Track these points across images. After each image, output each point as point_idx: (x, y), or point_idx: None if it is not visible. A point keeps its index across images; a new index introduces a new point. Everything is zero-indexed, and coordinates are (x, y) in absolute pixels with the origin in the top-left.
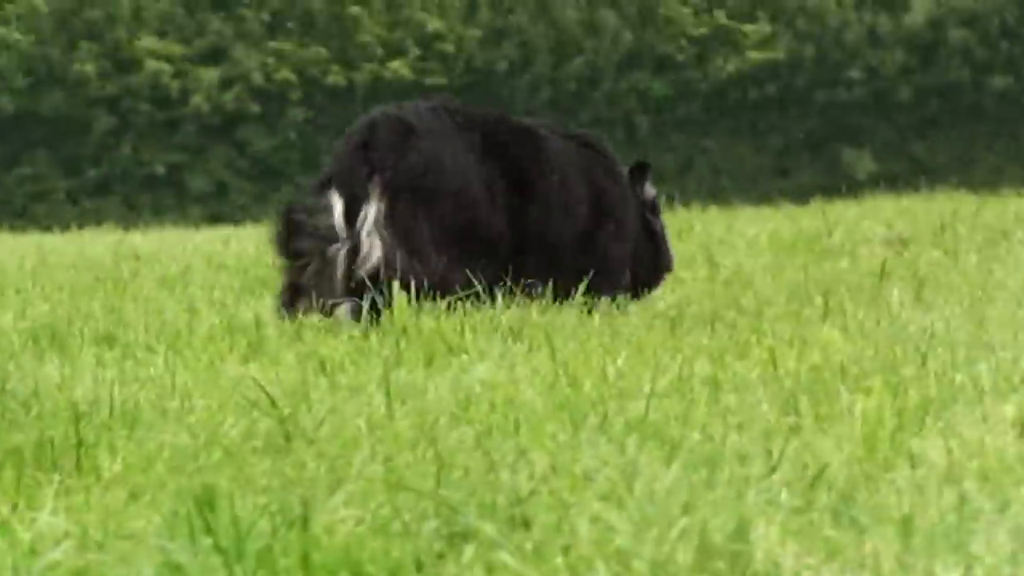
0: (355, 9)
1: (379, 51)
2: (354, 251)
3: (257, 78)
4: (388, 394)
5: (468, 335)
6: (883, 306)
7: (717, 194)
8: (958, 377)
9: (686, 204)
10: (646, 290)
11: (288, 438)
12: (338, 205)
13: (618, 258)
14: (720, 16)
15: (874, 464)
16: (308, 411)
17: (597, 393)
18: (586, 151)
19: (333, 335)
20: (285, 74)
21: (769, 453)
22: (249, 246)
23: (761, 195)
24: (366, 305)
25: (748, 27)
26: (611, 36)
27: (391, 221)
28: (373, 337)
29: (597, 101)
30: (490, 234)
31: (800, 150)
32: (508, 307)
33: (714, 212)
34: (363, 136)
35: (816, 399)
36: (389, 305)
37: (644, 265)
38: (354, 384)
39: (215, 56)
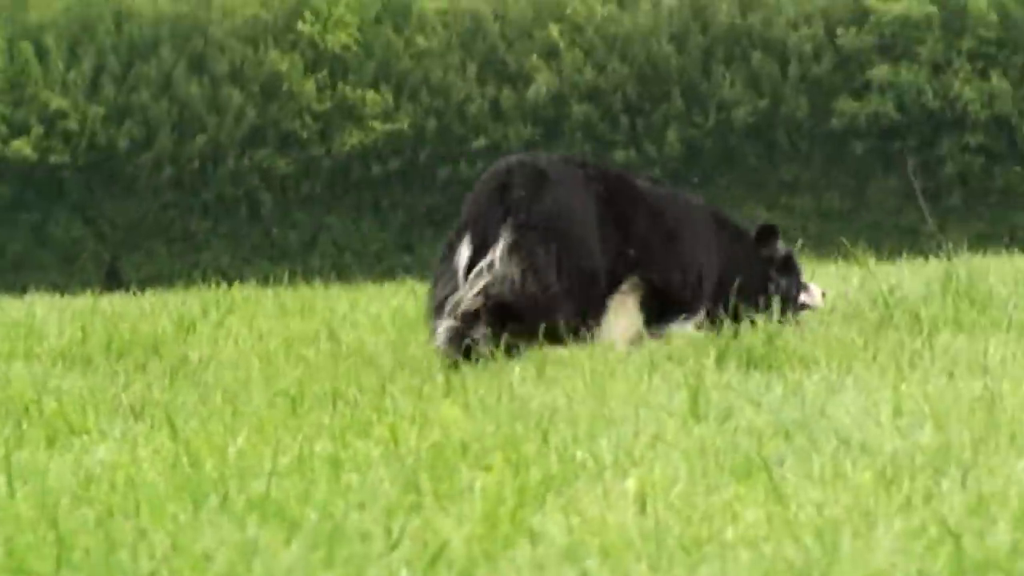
0: None
1: (2, 130)
2: (477, 286)
3: None
4: (9, 475)
5: (91, 415)
6: (505, 382)
7: (341, 271)
8: (579, 453)
9: (309, 281)
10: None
11: None
12: (466, 251)
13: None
14: (344, 89)
15: (494, 542)
16: None
17: (218, 472)
18: (699, 208)
19: None
20: None
21: (389, 531)
22: None
23: (385, 271)
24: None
25: (371, 97)
26: (234, 113)
27: (517, 250)
28: None
29: (221, 178)
30: (602, 286)
31: (424, 225)
32: (128, 385)
33: (337, 289)
34: (499, 180)
35: (437, 476)
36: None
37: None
38: None
39: None
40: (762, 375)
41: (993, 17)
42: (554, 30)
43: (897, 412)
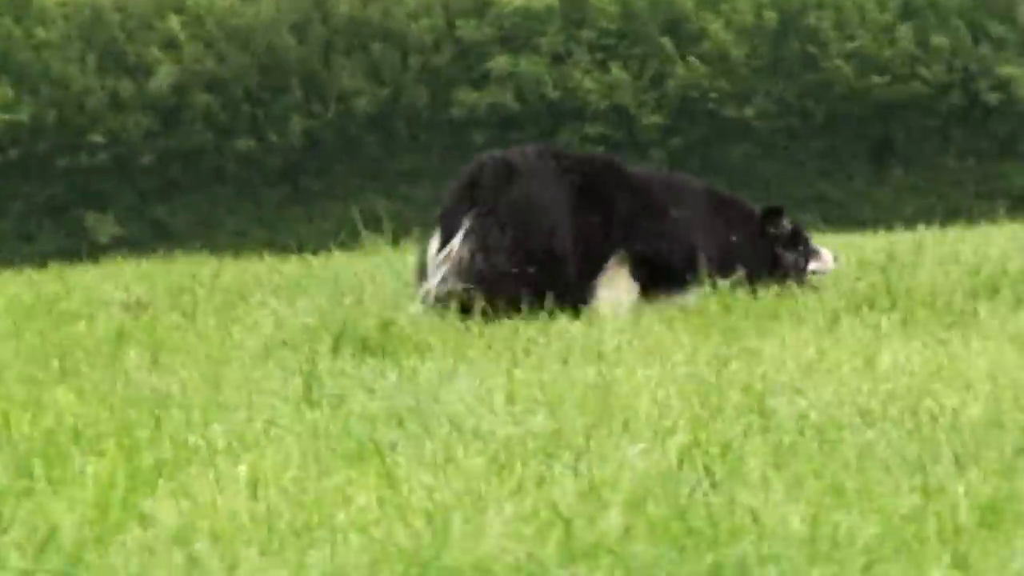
0: None
1: None
2: (439, 275)
3: None
4: None
5: None
6: (120, 368)
7: None
8: (192, 439)
9: None
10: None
11: None
12: (435, 242)
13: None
14: None
15: (105, 526)
16: None
17: None
18: (694, 189)
19: None
20: None
21: (0, 516)
22: None
23: (4, 261)
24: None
25: None
26: None
27: (472, 233)
28: None
29: None
30: (571, 268)
31: (42, 215)
32: None
33: None
34: (470, 177)
35: (49, 462)
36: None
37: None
38: None
39: None
40: (377, 362)
41: (614, 9)
42: (175, 21)
43: (511, 398)
